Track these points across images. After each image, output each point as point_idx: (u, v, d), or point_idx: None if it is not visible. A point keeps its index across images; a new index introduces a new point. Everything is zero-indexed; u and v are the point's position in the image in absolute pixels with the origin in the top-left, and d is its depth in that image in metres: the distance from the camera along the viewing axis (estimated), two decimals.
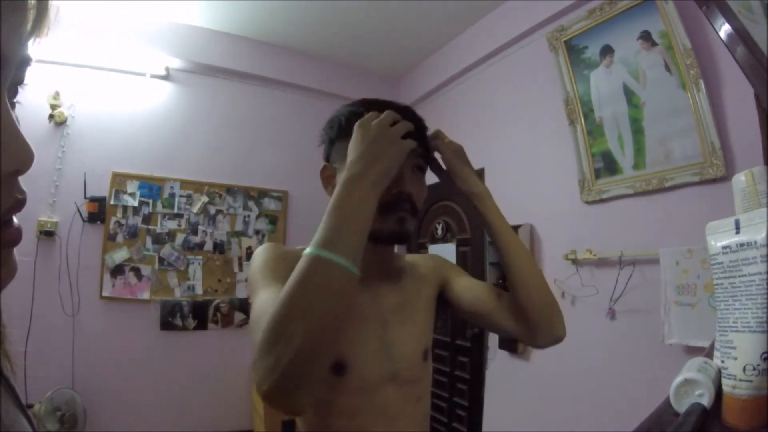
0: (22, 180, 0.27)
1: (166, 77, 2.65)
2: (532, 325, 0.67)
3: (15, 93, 0.29)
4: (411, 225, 0.67)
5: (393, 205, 0.64)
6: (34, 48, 0.28)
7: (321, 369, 0.48)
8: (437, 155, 0.74)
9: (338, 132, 0.69)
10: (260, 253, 0.67)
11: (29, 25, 0.26)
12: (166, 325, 2.53)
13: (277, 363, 0.44)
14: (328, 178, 0.71)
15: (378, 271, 0.71)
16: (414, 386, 0.68)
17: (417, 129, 0.67)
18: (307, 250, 0.49)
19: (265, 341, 0.46)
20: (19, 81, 0.29)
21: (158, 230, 2.56)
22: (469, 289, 0.76)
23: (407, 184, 0.65)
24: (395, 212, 0.65)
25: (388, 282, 0.72)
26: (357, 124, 0.60)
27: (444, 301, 0.79)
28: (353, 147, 0.58)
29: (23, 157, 0.26)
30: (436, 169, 0.75)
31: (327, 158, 0.72)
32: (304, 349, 0.45)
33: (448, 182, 0.73)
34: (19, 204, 0.27)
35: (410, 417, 0.66)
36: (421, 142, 0.68)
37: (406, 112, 0.67)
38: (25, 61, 0.28)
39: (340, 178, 0.64)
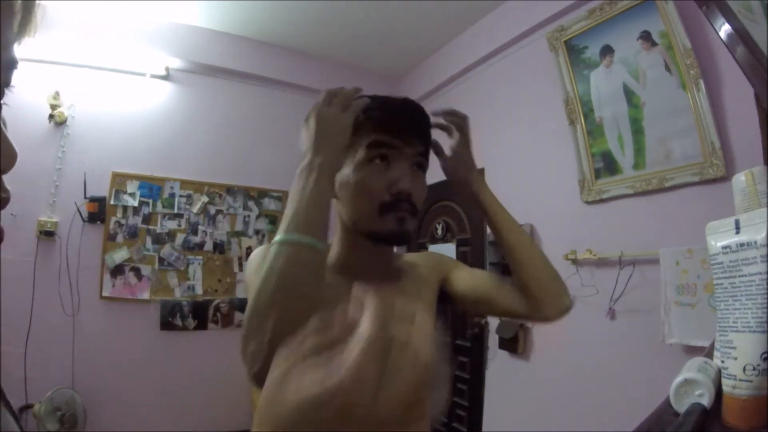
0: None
1: (166, 77, 2.65)
2: (540, 299, 0.68)
3: (1, 95, 0.29)
4: (411, 225, 0.65)
5: (392, 205, 0.63)
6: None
7: None
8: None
9: None
10: (255, 257, 0.66)
11: (15, 28, 0.26)
12: (166, 325, 2.53)
13: (261, 345, 0.46)
14: None
15: (376, 272, 0.69)
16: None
17: (418, 123, 0.66)
18: (275, 239, 0.52)
19: (248, 329, 0.48)
20: (6, 83, 0.29)
21: (158, 230, 2.56)
22: (469, 278, 0.76)
23: (406, 183, 0.63)
24: (394, 212, 0.63)
25: (386, 283, 0.71)
26: (303, 121, 0.60)
27: (446, 297, 0.78)
28: (304, 137, 0.59)
29: (6, 157, 0.26)
30: (436, 149, 0.75)
31: None
32: (284, 325, 0.46)
33: (446, 163, 0.75)
34: (3, 202, 0.27)
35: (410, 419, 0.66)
36: (422, 137, 0.66)
37: (404, 105, 0.66)
38: (12, 64, 0.28)
39: (340, 173, 0.65)
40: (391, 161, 0.63)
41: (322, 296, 0.51)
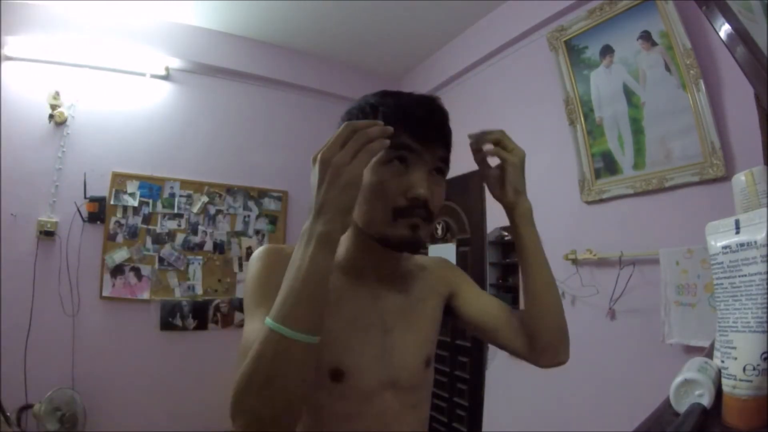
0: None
1: (166, 77, 2.65)
2: (540, 348, 0.68)
3: None
4: (425, 232, 0.62)
5: (406, 211, 0.59)
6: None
7: (296, 415, 0.49)
8: (490, 159, 0.69)
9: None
10: (254, 263, 0.63)
11: None
12: (166, 325, 2.53)
13: (246, 425, 0.46)
14: None
15: (384, 274, 0.68)
16: (413, 392, 0.66)
17: (441, 125, 0.63)
18: (267, 320, 0.47)
19: (232, 407, 0.47)
20: None
21: (158, 230, 2.56)
22: (477, 302, 0.75)
23: (424, 189, 0.59)
24: (408, 218, 0.59)
25: (393, 285, 0.69)
26: (311, 159, 0.51)
27: (450, 311, 0.77)
28: (312, 182, 0.51)
29: None
30: (483, 165, 0.70)
31: None
32: (267, 418, 0.46)
33: (493, 186, 0.70)
34: None
35: (407, 422, 0.65)
36: (444, 141, 0.63)
37: (428, 105, 0.63)
38: None
39: None
40: (410, 164, 0.60)
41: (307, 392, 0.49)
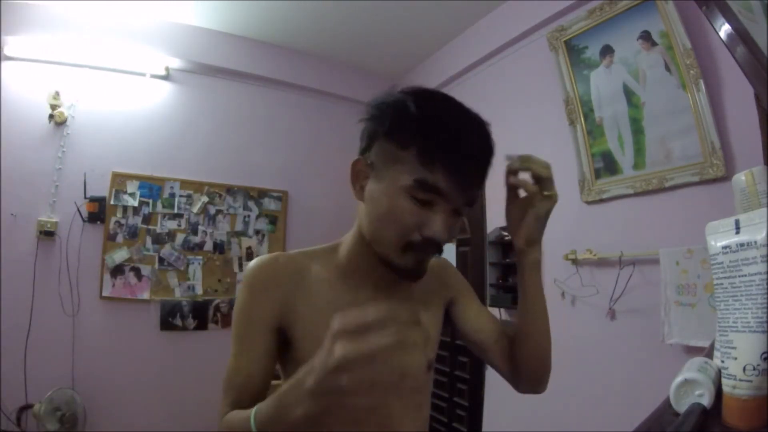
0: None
1: (166, 77, 2.65)
2: (522, 376, 0.71)
3: None
4: (430, 261, 0.60)
5: (418, 247, 0.56)
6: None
7: None
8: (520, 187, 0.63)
9: (387, 126, 0.56)
10: (242, 289, 0.61)
11: None
12: (166, 325, 2.53)
13: None
14: (357, 173, 0.61)
15: (386, 280, 0.66)
16: (416, 395, 0.67)
17: (482, 168, 0.56)
18: (252, 419, 0.46)
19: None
20: None
21: (158, 230, 2.56)
22: (473, 317, 0.75)
23: (443, 234, 0.55)
24: (418, 253, 0.57)
25: (395, 290, 0.68)
26: (321, 362, 0.36)
27: (446, 315, 0.78)
28: (294, 385, 0.40)
29: None
30: (511, 193, 0.65)
31: (364, 150, 0.60)
32: None
33: (510, 222, 0.65)
34: None
35: (411, 424, 0.66)
36: (480, 183, 0.57)
37: (472, 141, 0.55)
38: None
39: (374, 181, 0.58)
40: (435, 204, 0.55)
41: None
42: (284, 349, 0.62)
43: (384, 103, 0.58)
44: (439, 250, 0.59)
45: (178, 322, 2.56)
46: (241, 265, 2.75)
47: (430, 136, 0.53)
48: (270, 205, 2.88)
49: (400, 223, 0.55)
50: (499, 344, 0.73)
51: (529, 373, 0.71)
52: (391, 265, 0.59)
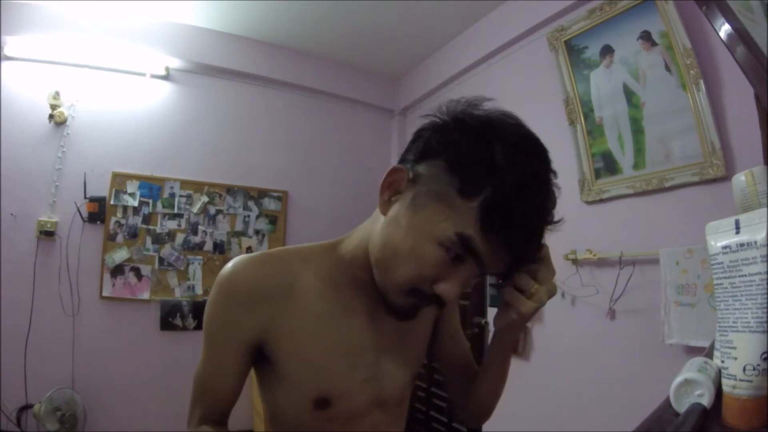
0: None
1: (166, 77, 2.65)
2: (467, 413, 0.73)
3: None
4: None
5: (421, 296, 0.50)
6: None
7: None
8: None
9: (456, 157, 0.47)
10: (213, 291, 0.56)
11: None
12: (166, 325, 2.53)
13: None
14: (392, 183, 0.52)
15: (378, 299, 0.57)
16: (400, 407, 0.66)
17: (530, 252, 0.50)
18: None
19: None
20: None
21: (158, 230, 2.56)
22: (451, 338, 0.74)
23: (453, 297, 0.49)
24: (419, 300, 0.52)
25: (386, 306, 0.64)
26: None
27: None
28: None
29: None
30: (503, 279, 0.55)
31: (413, 161, 0.51)
32: None
33: (500, 305, 0.57)
34: None
35: None
36: (516, 259, 0.49)
37: (533, 223, 0.48)
38: None
39: (408, 203, 0.49)
40: (464, 263, 0.48)
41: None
42: (262, 364, 0.58)
43: (467, 126, 0.49)
44: (442, 307, 0.53)
45: (178, 322, 2.56)
46: None
47: (502, 202, 0.44)
48: (270, 205, 2.88)
49: (417, 270, 0.48)
50: (462, 377, 0.74)
51: (472, 414, 0.73)
52: (386, 301, 0.53)
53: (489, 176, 0.45)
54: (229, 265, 0.56)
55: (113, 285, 2.43)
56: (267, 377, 0.60)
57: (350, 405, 0.58)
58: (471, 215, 0.45)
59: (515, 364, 2.13)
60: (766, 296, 0.37)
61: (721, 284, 0.42)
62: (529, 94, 2.22)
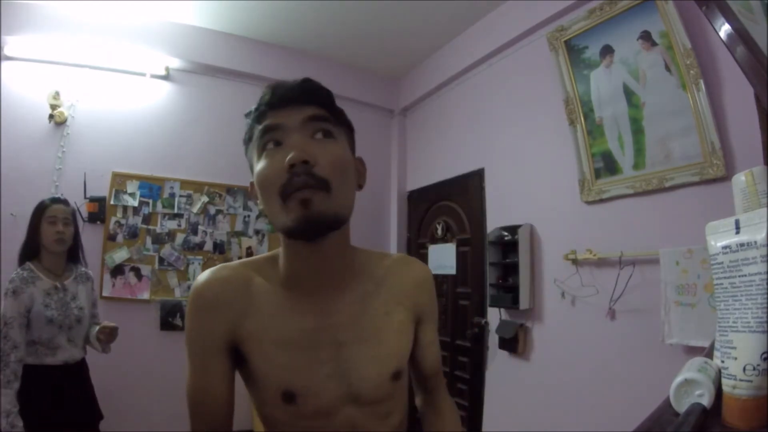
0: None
1: (166, 77, 2.65)
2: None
3: None
4: (326, 204, 0.53)
5: (289, 185, 0.53)
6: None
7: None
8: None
9: (246, 134, 0.63)
10: (193, 308, 0.60)
11: None
12: (166, 325, 2.53)
13: None
14: (253, 193, 0.63)
15: (331, 282, 0.61)
16: (381, 405, 0.62)
17: (298, 87, 0.58)
18: None
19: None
20: None
21: (158, 230, 2.56)
22: (426, 346, 0.72)
23: (298, 152, 0.52)
24: (295, 192, 0.52)
25: (346, 295, 0.62)
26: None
27: None
28: None
29: None
30: None
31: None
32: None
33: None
34: None
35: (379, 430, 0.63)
36: (313, 101, 0.58)
37: (286, 81, 0.59)
38: None
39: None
40: (285, 140, 0.56)
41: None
42: (241, 364, 0.61)
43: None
44: (319, 180, 0.53)
45: (178, 322, 2.55)
46: None
47: (257, 104, 0.59)
48: None
49: (268, 176, 0.55)
50: (428, 383, 0.75)
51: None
52: (290, 231, 0.54)
53: (252, 111, 0.61)
54: (194, 283, 0.62)
55: (113, 285, 2.43)
56: (245, 376, 0.62)
57: (317, 399, 0.58)
58: (254, 123, 0.59)
59: (515, 364, 2.14)
60: (766, 296, 0.37)
61: (721, 284, 0.42)
62: (529, 94, 2.22)
